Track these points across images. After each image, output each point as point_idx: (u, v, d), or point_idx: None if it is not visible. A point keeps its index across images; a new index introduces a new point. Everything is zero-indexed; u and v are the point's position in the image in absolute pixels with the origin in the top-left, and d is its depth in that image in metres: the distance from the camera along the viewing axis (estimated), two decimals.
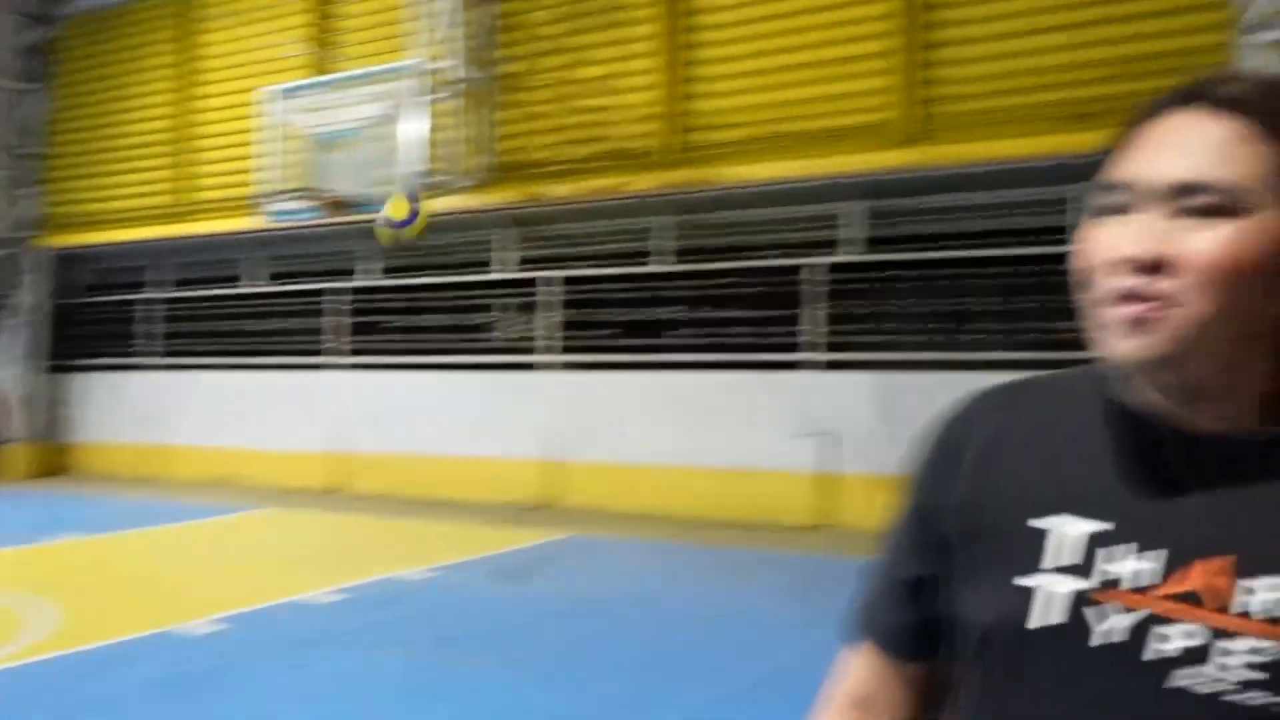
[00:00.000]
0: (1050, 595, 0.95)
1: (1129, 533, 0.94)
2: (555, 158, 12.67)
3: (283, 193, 12.43)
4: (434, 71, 12.12)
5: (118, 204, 16.07)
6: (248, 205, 13.56)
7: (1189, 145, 0.91)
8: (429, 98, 11.80)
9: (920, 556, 1.09)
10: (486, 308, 13.81)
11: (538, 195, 12.51)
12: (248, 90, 13.90)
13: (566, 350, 13.13)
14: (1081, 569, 0.95)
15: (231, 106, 14.68)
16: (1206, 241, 0.89)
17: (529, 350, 13.44)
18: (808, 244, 11.91)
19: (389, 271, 14.62)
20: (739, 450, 11.59)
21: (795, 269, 11.77)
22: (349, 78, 12.33)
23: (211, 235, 15.02)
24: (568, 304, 13.15)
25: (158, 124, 15.71)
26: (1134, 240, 0.91)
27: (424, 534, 11.00)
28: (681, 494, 11.72)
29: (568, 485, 12.61)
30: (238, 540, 10.94)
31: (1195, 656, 0.89)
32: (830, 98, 11.01)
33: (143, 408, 16.22)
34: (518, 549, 9.89)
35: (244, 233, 14.48)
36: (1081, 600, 0.94)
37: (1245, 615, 0.88)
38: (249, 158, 13.61)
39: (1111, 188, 0.95)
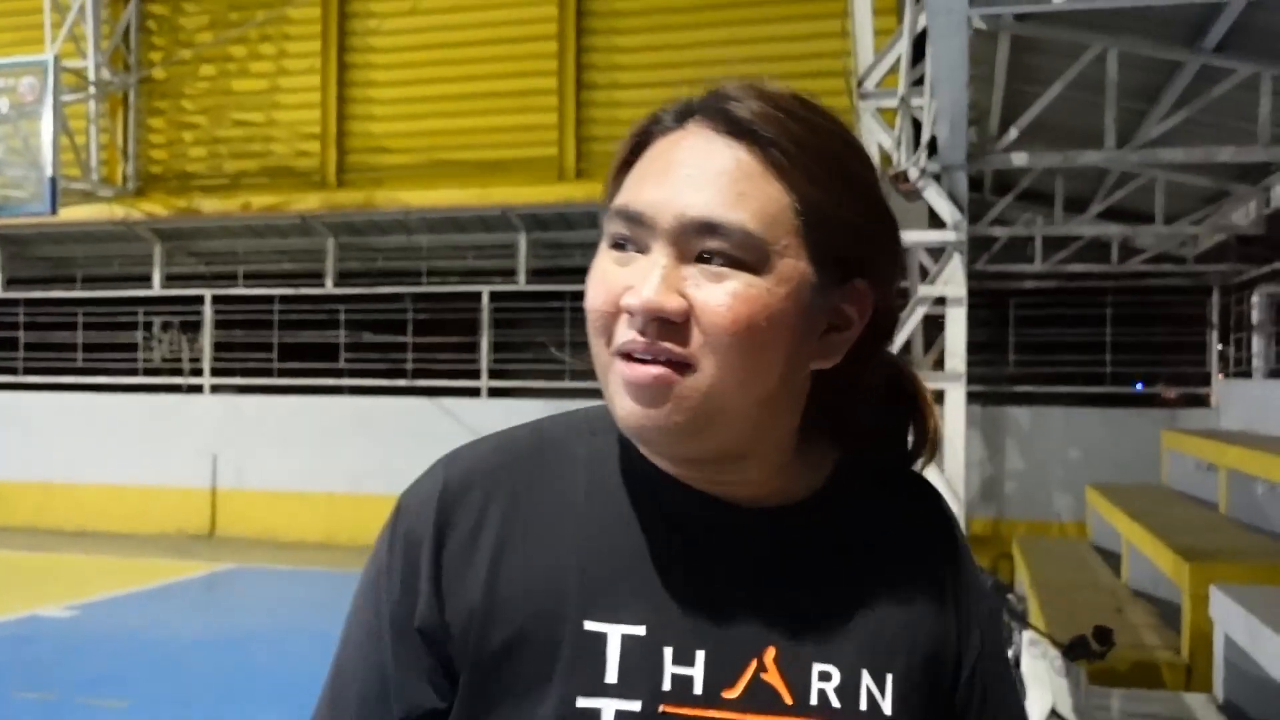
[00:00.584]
0: (618, 717, 0.79)
1: (662, 635, 0.81)
2: (209, 171, 12.28)
3: None
4: (68, 70, 11.40)
5: None
6: None
7: (707, 174, 0.79)
8: (61, 97, 11.07)
9: (415, 685, 0.85)
10: (133, 326, 13.09)
11: (189, 209, 12.06)
12: None
13: (221, 373, 12.70)
14: (632, 684, 0.80)
15: None
16: (725, 297, 0.77)
17: (183, 372, 12.88)
18: (479, 272, 12.24)
19: (16, 283, 13.53)
20: (407, 477, 11.64)
21: (474, 295, 12.01)
22: None
23: None
24: (224, 324, 12.73)
25: None
26: (644, 287, 0.78)
27: (68, 568, 10.31)
28: (347, 522, 11.63)
29: (229, 513, 12.18)
30: None
31: None
32: (494, 130, 11.40)
33: None
34: (174, 581, 9.52)
35: None
36: None
37: (805, 712, 0.81)
38: None
39: (621, 215, 0.81)
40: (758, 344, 0.78)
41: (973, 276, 5.69)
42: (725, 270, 0.78)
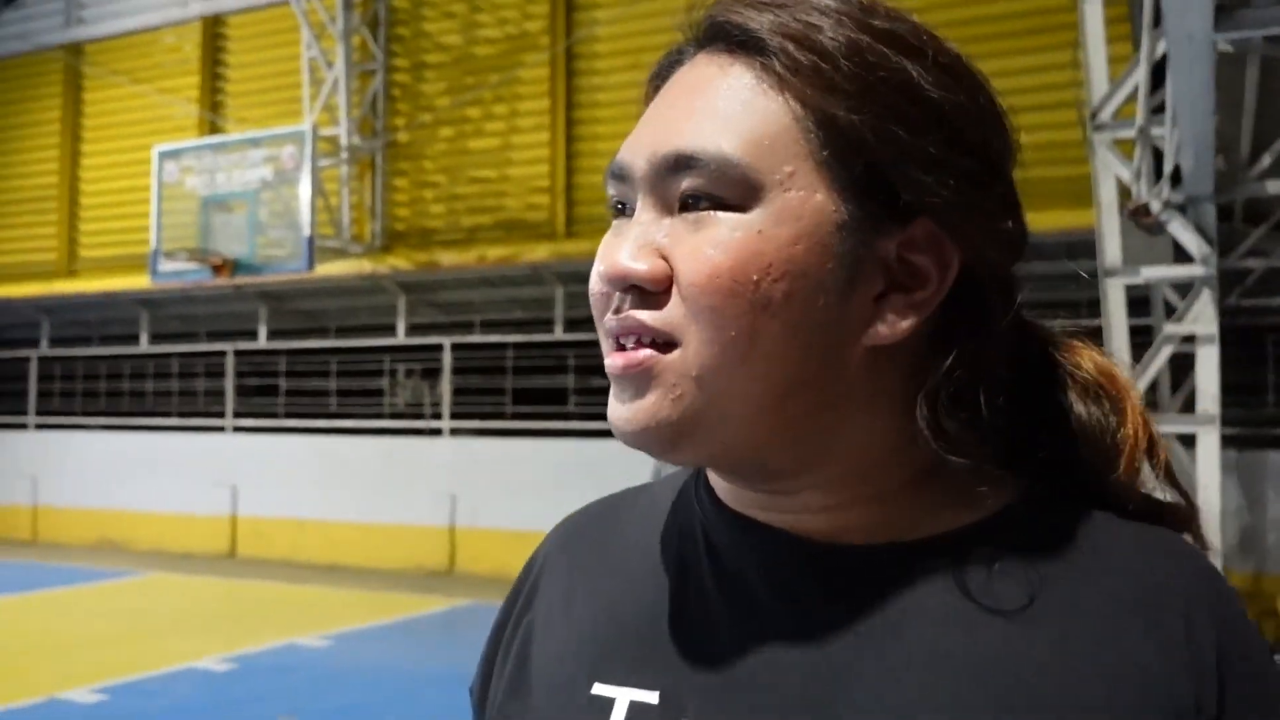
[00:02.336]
0: None
1: (679, 704, 0.65)
2: (448, 226, 12.99)
3: (171, 253, 12.45)
4: (323, 137, 12.35)
5: (2, 259, 15.80)
6: (137, 264, 13.53)
7: (688, 102, 0.64)
8: (318, 163, 12.00)
9: None
10: (379, 373, 13.94)
11: (429, 263, 12.78)
12: (138, 149, 13.91)
13: (459, 416, 13.33)
14: None
15: (121, 164, 14.66)
16: (702, 247, 0.61)
17: (423, 416, 13.60)
18: None
19: (278, 335, 14.66)
20: None
21: None
22: (239, 140, 12.49)
23: (99, 294, 14.87)
24: (461, 370, 13.38)
25: (46, 179, 15.55)
26: (618, 250, 0.63)
27: (320, 600, 11.02)
28: None
29: (466, 551, 12.73)
30: (122, 606, 10.80)
31: None
32: None
33: (19, 467, 15.83)
34: (419, 615, 10.02)
35: (132, 292, 14.40)
36: None
37: None
38: (139, 216, 13.61)
39: (610, 175, 0.68)
40: (756, 304, 0.60)
41: (1224, 313, 5.36)
42: (705, 215, 0.61)
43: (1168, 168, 4.87)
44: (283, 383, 14.41)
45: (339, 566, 13.00)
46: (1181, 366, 6.27)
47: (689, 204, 0.62)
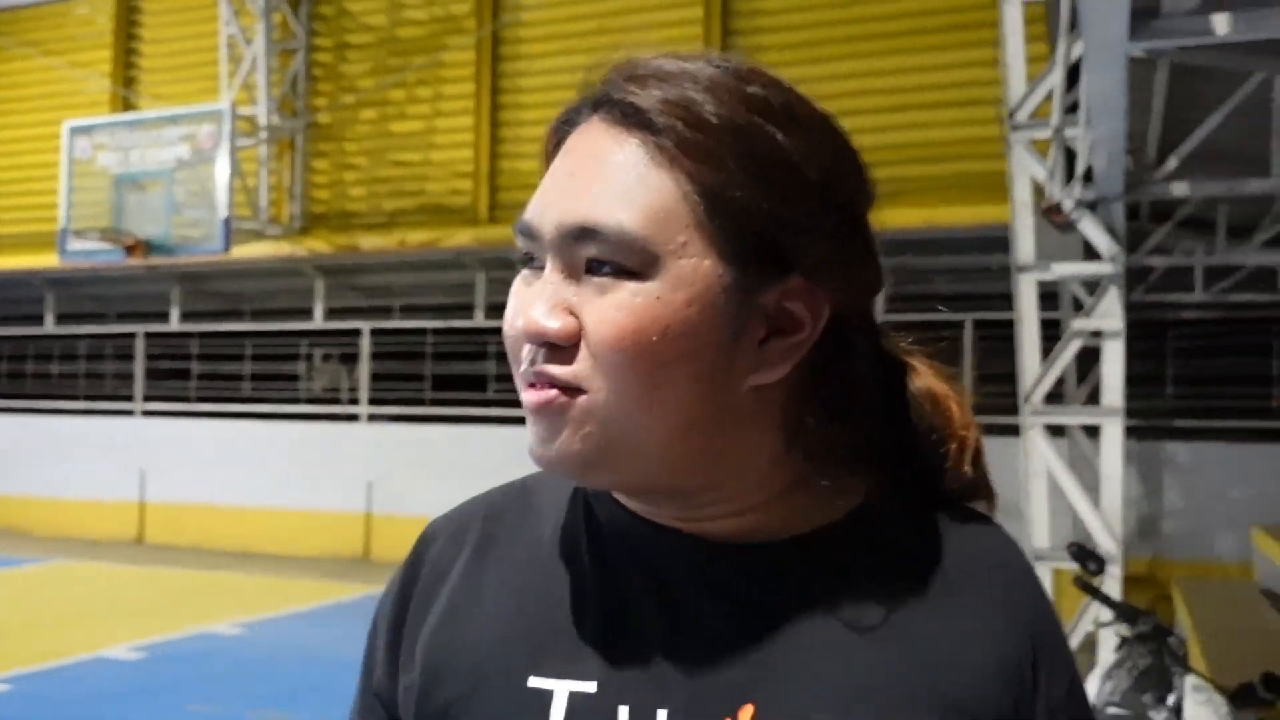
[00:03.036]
0: None
1: (617, 692, 0.71)
2: (369, 209, 12.85)
3: (82, 232, 12.13)
4: (242, 117, 12.12)
5: None
6: (45, 243, 13.15)
7: (589, 174, 0.70)
8: (236, 142, 11.78)
9: None
10: (295, 357, 13.75)
11: (349, 246, 12.64)
12: (48, 123, 13.51)
13: (377, 402, 13.22)
14: None
15: (30, 139, 14.22)
16: (608, 311, 0.68)
17: (340, 401, 13.46)
18: None
19: (191, 317, 14.37)
20: None
21: None
22: (154, 118, 12.20)
23: (4, 272, 14.41)
24: (380, 355, 13.26)
25: None
26: (530, 307, 0.70)
27: (233, 587, 10.85)
28: None
29: (383, 538, 12.64)
30: (27, 594, 10.52)
31: None
32: None
33: None
34: (335, 602, 9.93)
35: (39, 271, 13.99)
36: None
37: None
38: (48, 193, 13.22)
39: (518, 229, 0.74)
40: (655, 360, 0.67)
41: (1129, 308, 5.57)
42: (609, 281, 0.68)
43: (1080, 168, 5.04)
44: (195, 366, 14.13)
45: (252, 553, 12.81)
46: (1084, 359, 6.49)
47: (593, 268, 0.69)
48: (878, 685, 0.70)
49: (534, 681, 0.73)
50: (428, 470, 12.28)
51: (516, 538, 0.81)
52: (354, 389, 13.37)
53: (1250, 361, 10.52)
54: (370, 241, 12.58)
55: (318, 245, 12.77)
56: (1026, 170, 5.38)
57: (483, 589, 0.78)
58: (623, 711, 0.70)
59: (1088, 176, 5.08)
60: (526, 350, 0.71)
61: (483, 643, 0.76)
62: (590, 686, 0.71)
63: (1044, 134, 5.30)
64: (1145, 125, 6.75)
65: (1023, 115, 5.33)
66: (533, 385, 0.70)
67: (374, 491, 12.63)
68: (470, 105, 12.43)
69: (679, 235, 0.68)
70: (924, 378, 0.81)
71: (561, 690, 0.72)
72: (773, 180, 0.69)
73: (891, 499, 0.78)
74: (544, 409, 0.70)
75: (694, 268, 0.68)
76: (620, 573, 0.76)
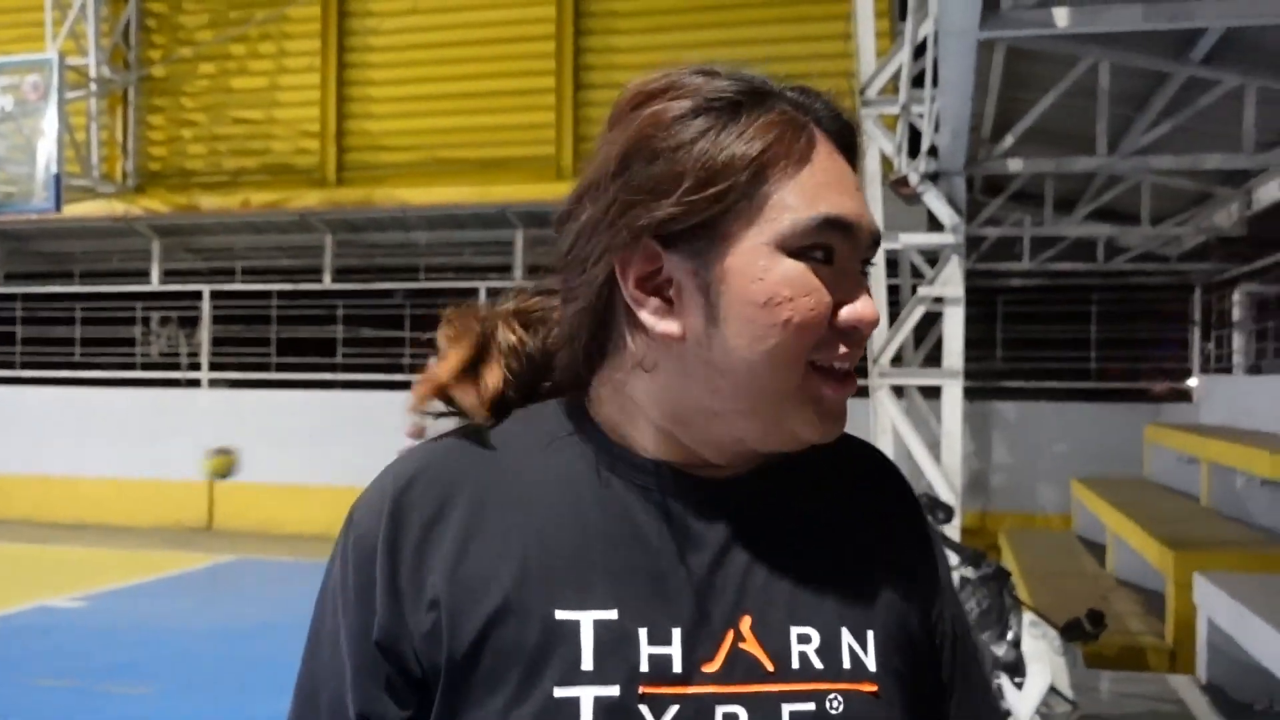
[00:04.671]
0: (596, 703, 0.77)
1: (635, 616, 0.79)
2: (209, 168, 12.41)
3: None
4: (70, 67, 11.52)
5: None
6: None
7: (856, 190, 0.81)
8: (65, 95, 11.19)
9: (376, 698, 0.84)
10: (131, 320, 13.20)
11: (188, 206, 12.19)
12: None
13: (220, 367, 12.83)
14: (608, 669, 0.78)
15: None
16: (872, 303, 0.81)
17: (180, 367, 13.01)
18: (476, 269, 12.41)
19: (16, 278, 13.63)
20: None
21: (471, 292, 12.16)
22: None
23: None
24: (222, 319, 12.86)
25: None
26: (865, 304, 0.80)
27: (71, 560, 10.43)
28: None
29: (226, 506, 12.32)
30: None
31: None
32: (492, 128, 11.58)
33: None
34: (180, 573, 9.67)
35: None
36: (622, 707, 0.77)
37: (788, 676, 0.80)
38: None
39: (835, 225, 0.79)
40: None
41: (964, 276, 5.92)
42: (865, 278, 0.83)
43: (925, 143, 5.31)
44: (20, 330, 13.43)
45: (88, 525, 12.33)
46: (920, 323, 6.83)
47: (861, 265, 0.82)
48: (847, 590, 0.84)
49: (560, 614, 0.79)
50: (274, 436, 12.02)
51: (515, 479, 0.85)
52: (194, 353, 12.94)
53: (1072, 327, 11.23)
54: (211, 201, 12.16)
55: (153, 204, 12.27)
56: (876, 145, 5.63)
57: (489, 529, 0.82)
58: (642, 633, 0.79)
59: (932, 151, 5.36)
60: (848, 338, 0.80)
61: (502, 580, 0.80)
62: (612, 614, 0.79)
63: (893, 110, 5.55)
64: (983, 104, 7.13)
65: (872, 92, 5.57)
66: (847, 374, 0.81)
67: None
68: (316, 63, 12.10)
69: None
70: None
71: (587, 620, 0.79)
72: None
73: None
74: (851, 396, 0.83)
75: None
76: (621, 509, 0.83)
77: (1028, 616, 3.62)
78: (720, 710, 0.78)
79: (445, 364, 0.89)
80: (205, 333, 12.79)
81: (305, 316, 12.54)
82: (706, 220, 0.78)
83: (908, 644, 0.85)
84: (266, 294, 12.64)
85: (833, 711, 0.79)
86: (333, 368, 12.41)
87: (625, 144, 0.80)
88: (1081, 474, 9.13)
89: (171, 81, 12.51)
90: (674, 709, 0.77)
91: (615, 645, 0.78)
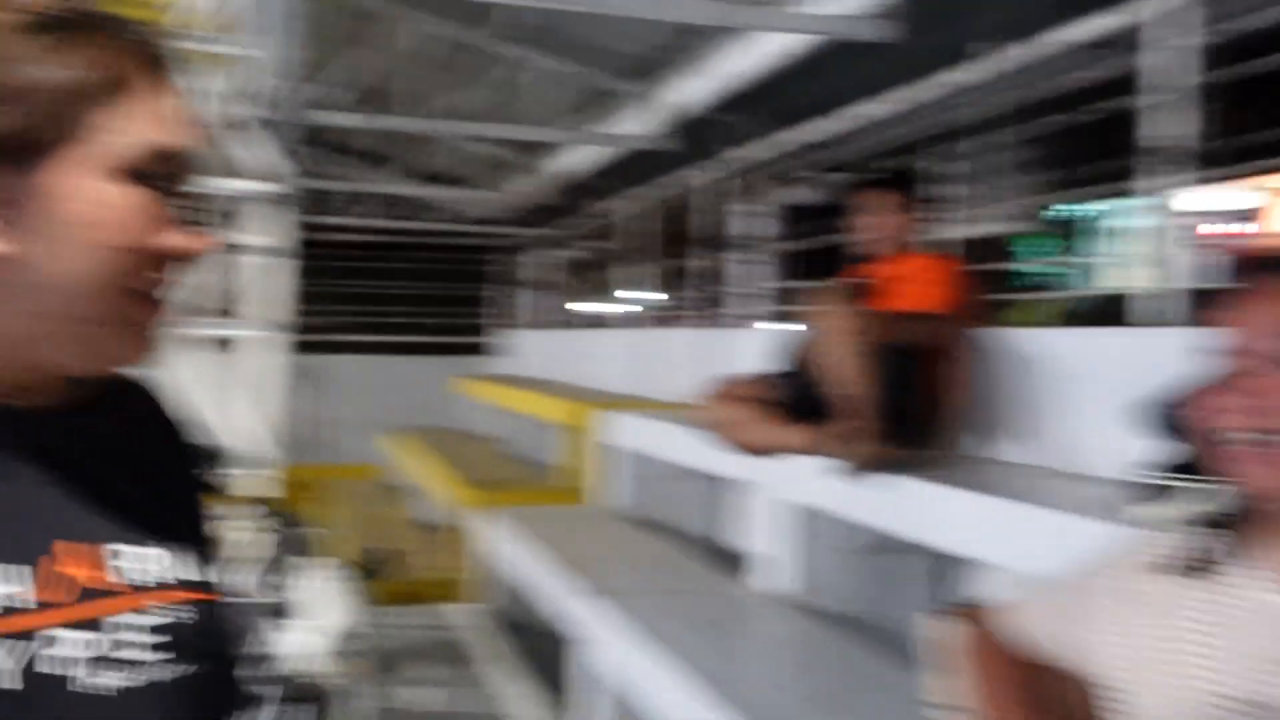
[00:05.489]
0: None
1: None
2: None
3: None
4: None
5: None
6: None
7: (179, 119, 0.84)
8: None
9: None
10: None
11: None
12: None
13: None
14: None
15: None
16: None
17: None
18: None
19: None
20: None
21: None
22: None
23: None
24: None
25: None
26: (191, 233, 0.84)
27: None
28: None
29: None
30: None
31: (92, 652, 0.80)
32: None
33: None
34: None
35: None
36: None
37: (104, 594, 0.82)
38: None
39: (156, 152, 0.82)
40: None
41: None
42: None
43: (253, 88, 5.20)
44: None
45: None
46: (243, 275, 6.71)
47: (184, 196, 0.85)
48: (155, 511, 0.89)
49: None
50: None
51: None
52: None
53: (388, 282, 11.75)
54: None
55: None
56: (205, 84, 5.40)
57: None
58: None
59: (260, 97, 5.27)
60: (164, 266, 0.83)
61: None
62: None
63: (223, 49, 5.36)
64: (319, 55, 7.18)
65: (203, 29, 5.33)
66: (159, 302, 0.83)
67: None
68: None
69: None
70: None
71: None
72: None
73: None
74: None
75: None
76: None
77: (319, 561, 3.79)
78: (39, 634, 0.78)
79: None
80: None
81: None
82: (27, 141, 0.77)
83: (210, 559, 0.93)
84: None
85: (165, 621, 0.84)
86: None
87: None
88: (396, 425, 9.62)
89: None
90: (26, 645, 0.77)
91: None
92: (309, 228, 10.67)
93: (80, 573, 0.82)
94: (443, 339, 12.02)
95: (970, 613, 1.67)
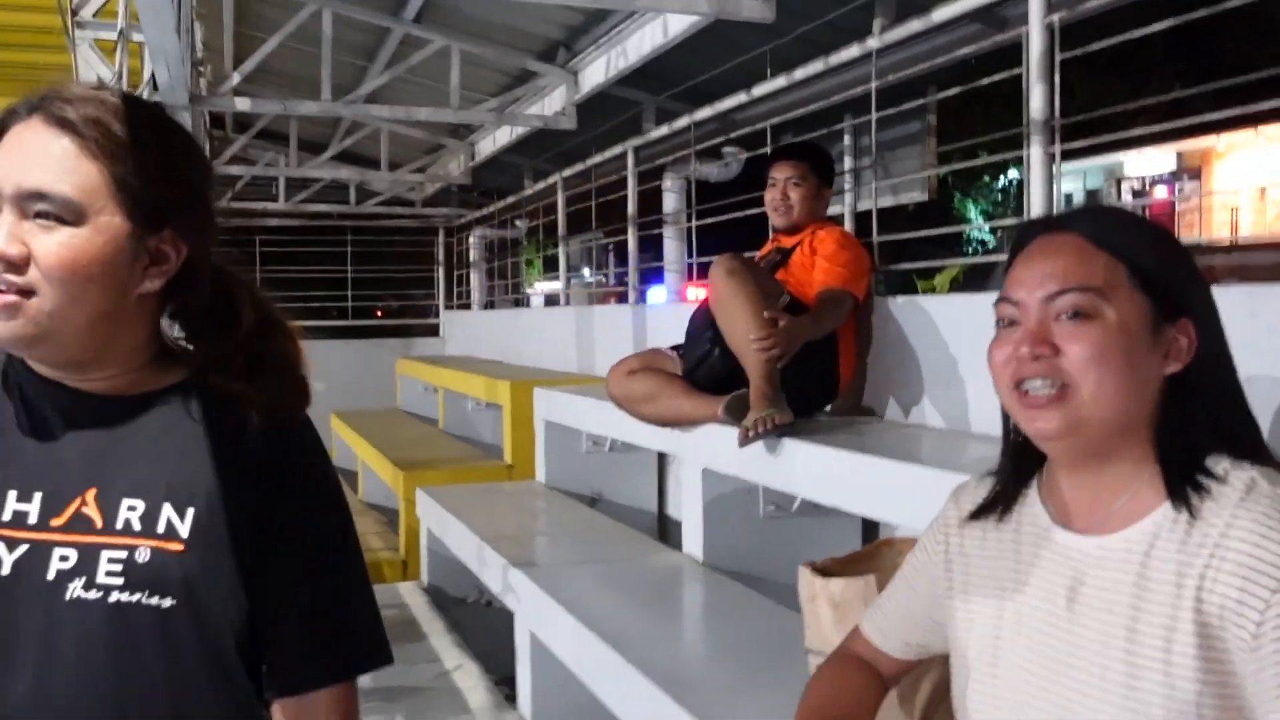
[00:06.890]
0: None
1: (6, 481, 1.13)
2: None
3: None
4: None
5: None
6: None
7: (34, 155, 1.08)
8: None
9: None
10: None
11: None
12: None
13: None
14: None
15: None
16: (52, 245, 1.06)
17: None
18: None
19: None
20: None
21: None
22: None
23: None
24: None
25: None
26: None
27: None
28: None
29: None
30: None
31: (80, 571, 1.09)
32: None
33: None
34: None
35: None
36: None
37: (112, 533, 1.11)
38: None
39: None
40: (80, 279, 1.07)
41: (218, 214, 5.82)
42: (53, 225, 1.07)
43: (146, 74, 5.07)
44: None
45: None
46: None
47: (40, 216, 1.08)
48: (175, 477, 1.15)
49: None
50: None
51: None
52: None
53: (329, 266, 11.64)
54: None
55: None
56: (95, 72, 5.27)
57: None
58: (11, 494, 1.12)
59: (154, 82, 5.14)
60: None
61: None
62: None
63: (110, 35, 5.24)
64: (220, 39, 7.04)
65: (87, 14, 5.21)
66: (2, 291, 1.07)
67: None
68: None
69: (99, 202, 1.09)
70: (239, 295, 1.24)
71: None
72: (156, 170, 1.12)
73: (203, 374, 1.22)
74: (6, 305, 1.07)
75: (108, 223, 1.09)
76: (21, 413, 1.16)
77: None
78: (57, 551, 1.10)
79: None
80: None
81: None
82: None
83: (229, 528, 1.15)
84: None
85: (140, 560, 1.11)
86: None
87: None
88: (341, 408, 9.54)
89: None
90: (24, 548, 1.10)
91: None
92: (241, 214, 10.59)
93: (95, 514, 1.12)
94: (393, 322, 11.90)
95: (831, 567, 1.94)
